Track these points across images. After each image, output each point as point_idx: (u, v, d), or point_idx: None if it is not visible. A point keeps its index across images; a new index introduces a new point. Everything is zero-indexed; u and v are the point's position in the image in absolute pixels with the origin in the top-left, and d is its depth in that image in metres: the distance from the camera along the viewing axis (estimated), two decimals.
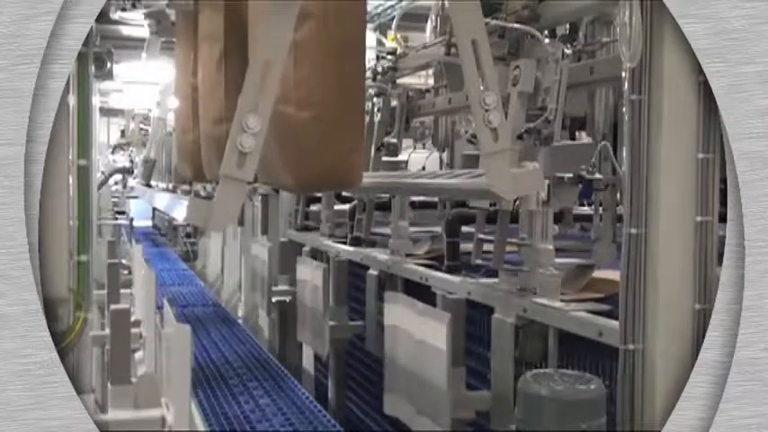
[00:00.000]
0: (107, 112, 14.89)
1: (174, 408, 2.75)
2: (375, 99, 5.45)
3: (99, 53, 3.29)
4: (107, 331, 4.48)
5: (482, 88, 2.54)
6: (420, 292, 4.62)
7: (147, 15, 5.08)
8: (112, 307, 3.39)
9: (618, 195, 3.70)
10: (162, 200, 4.69)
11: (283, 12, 2.41)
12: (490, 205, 4.51)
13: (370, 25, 8.34)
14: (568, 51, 3.24)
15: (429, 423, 3.37)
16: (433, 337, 2.95)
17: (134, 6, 3.75)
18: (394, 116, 5.32)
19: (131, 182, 14.70)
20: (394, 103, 5.35)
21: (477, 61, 2.52)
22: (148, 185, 8.27)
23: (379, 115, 5.37)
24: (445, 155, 5.35)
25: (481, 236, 4.42)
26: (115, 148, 15.76)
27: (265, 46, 2.40)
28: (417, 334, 3.58)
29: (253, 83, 2.37)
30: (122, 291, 4.77)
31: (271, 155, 2.64)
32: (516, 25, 3.44)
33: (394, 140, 5.27)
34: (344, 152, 2.73)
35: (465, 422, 3.09)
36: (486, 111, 2.51)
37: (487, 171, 2.55)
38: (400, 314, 3.75)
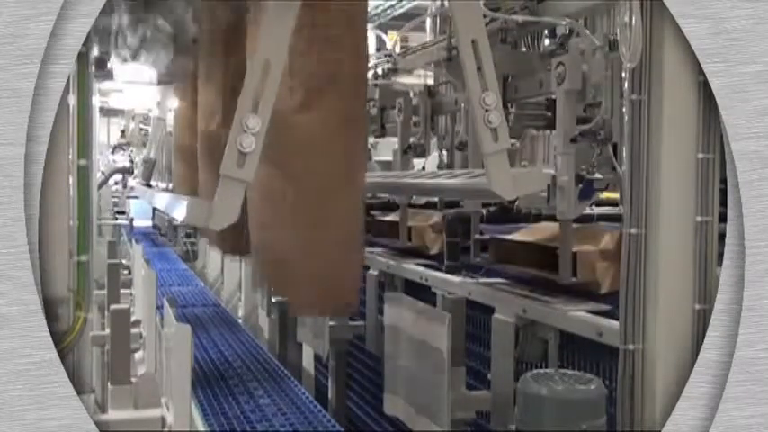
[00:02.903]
0: (107, 112, 14.88)
1: (175, 408, 2.75)
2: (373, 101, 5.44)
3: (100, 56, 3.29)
4: (107, 331, 4.51)
5: (482, 88, 2.54)
6: (420, 292, 4.62)
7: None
8: (112, 307, 3.39)
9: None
10: (162, 200, 4.70)
11: (283, 12, 2.41)
12: (485, 205, 4.52)
13: (370, 24, 8.33)
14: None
15: (429, 423, 3.37)
16: (432, 336, 2.95)
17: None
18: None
19: (131, 182, 14.70)
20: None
21: (478, 61, 2.52)
22: (148, 185, 8.26)
23: (401, 115, 5.35)
24: (445, 155, 5.34)
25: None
26: (115, 149, 15.75)
27: (265, 46, 2.40)
28: (417, 334, 3.57)
29: (253, 83, 2.37)
30: (122, 291, 4.76)
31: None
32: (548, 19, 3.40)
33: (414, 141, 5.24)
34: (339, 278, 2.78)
35: (465, 422, 3.08)
36: (486, 111, 2.51)
37: (488, 171, 2.56)
38: (400, 314, 3.75)
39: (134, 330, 4.41)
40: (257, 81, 2.38)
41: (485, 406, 3.27)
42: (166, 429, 2.86)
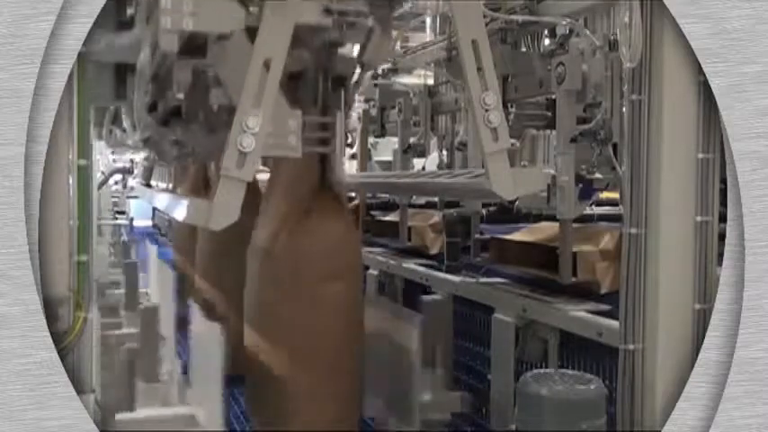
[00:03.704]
0: None
1: (206, 406, 2.74)
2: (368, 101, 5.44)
3: None
4: (130, 330, 4.50)
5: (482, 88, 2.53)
6: (420, 292, 4.62)
7: None
8: (143, 305, 3.39)
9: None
10: (162, 200, 4.68)
11: (283, 11, 2.41)
12: (485, 205, 4.52)
13: None
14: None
15: (402, 425, 3.34)
16: (405, 338, 2.93)
17: None
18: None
19: (131, 182, 14.69)
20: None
21: (478, 61, 2.52)
22: (148, 185, 8.25)
23: (401, 115, 5.35)
24: (445, 155, 5.34)
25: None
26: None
27: (265, 45, 2.40)
28: (393, 336, 3.55)
29: (253, 82, 2.37)
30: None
31: None
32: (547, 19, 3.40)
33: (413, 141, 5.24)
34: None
35: (442, 423, 3.06)
36: (487, 110, 2.51)
37: (488, 171, 2.56)
38: (375, 316, 3.73)
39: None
40: (257, 81, 2.38)
41: (457, 408, 3.23)
42: (197, 428, 2.85)
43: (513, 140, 4.05)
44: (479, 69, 2.52)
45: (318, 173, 2.85)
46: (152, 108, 3.98)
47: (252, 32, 2.50)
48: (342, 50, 2.97)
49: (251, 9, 2.43)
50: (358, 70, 3.02)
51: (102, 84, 4.21)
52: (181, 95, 3.24)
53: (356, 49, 3.02)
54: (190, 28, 2.31)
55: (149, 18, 2.60)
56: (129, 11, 3.04)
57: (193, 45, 2.62)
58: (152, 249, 5.12)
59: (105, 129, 7.40)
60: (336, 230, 2.82)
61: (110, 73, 4.33)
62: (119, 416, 2.90)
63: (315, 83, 2.86)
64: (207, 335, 2.71)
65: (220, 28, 2.41)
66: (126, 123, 6.34)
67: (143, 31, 2.76)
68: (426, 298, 4.12)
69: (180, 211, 2.81)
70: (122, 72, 4.32)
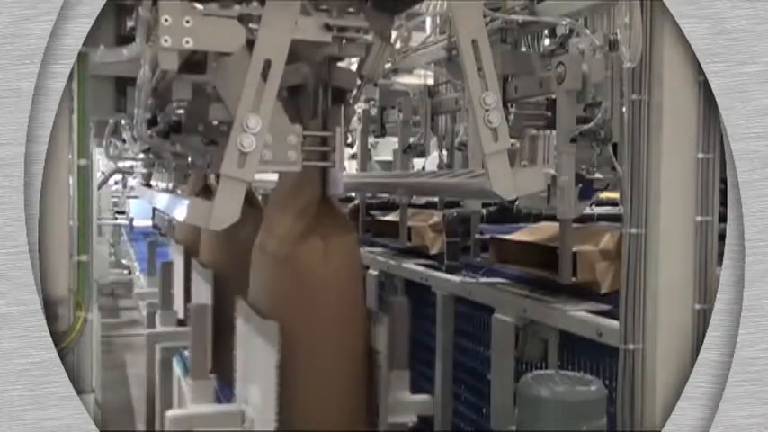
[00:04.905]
0: None
1: (262, 404, 2.74)
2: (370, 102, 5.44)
3: None
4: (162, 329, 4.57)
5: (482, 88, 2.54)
6: (420, 292, 4.63)
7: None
8: (193, 303, 3.40)
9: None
10: (162, 200, 4.69)
11: (283, 11, 2.41)
12: (485, 205, 4.51)
13: None
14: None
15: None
16: (375, 340, 2.93)
17: None
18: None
19: (131, 182, 14.69)
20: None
21: (478, 61, 2.52)
22: (148, 185, 8.27)
23: (401, 115, 5.34)
24: (445, 155, 5.34)
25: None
26: None
27: (265, 45, 2.40)
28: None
29: (253, 82, 2.37)
30: (137, 291, 4.79)
31: None
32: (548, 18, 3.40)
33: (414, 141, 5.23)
34: None
35: (408, 427, 3.04)
36: (487, 111, 2.51)
37: (488, 171, 2.56)
38: None
39: (182, 329, 4.43)
40: (257, 81, 2.38)
41: (427, 410, 3.21)
42: (246, 426, 2.86)
43: (513, 140, 4.07)
44: (479, 69, 2.52)
45: (319, 186, 2.86)
46: (152, 122, 4.00)
47: (252, 48, 2.50)
48: (341, 63, 2.97)
49: (251, 25, 2.43)
50: (358, 82, 3.03)
51: (102, 97, 4.24)
52: (180, 111, 3.25)
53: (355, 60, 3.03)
54: (190, 47, 2.31)
55: (149, 36, 2.60)
56: (130, 23, 3.05)
57: (193, 62, 2.63)
58: (176, 248, 5.10)
59: (105, 140, 7.43)
60: (337, 246, 2.82)
61: (110, 86, 4.36)
62: (169, 412, 2.94)
63: (315, 96, 2.86)
64: (262, 331, 2.71)
65: (221, 47, 2.41)
66: (126, 135, 6.38)
67: (143, 49, 2.76)
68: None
69: (180, 211, 2.80)
70: (122, 85, 4.35)
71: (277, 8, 2.41)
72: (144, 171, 8.73)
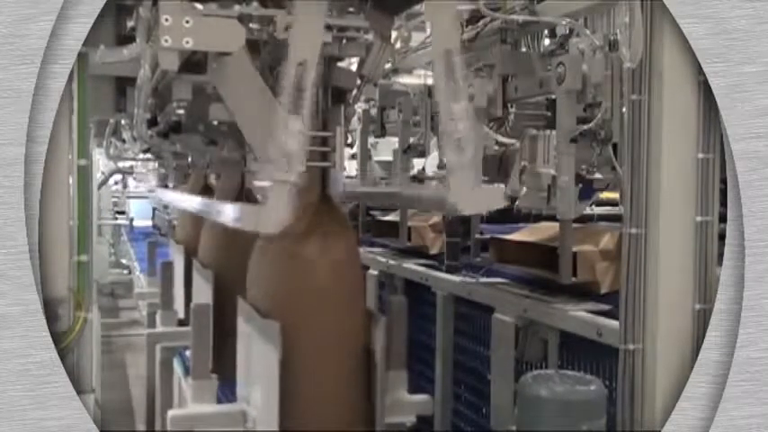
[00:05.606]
0: None
1: (263, 404, 2.74)
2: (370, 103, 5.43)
3: None
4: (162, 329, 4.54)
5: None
6: (420, 292, 4.63)
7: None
8: (194, 303, 3.39)
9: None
10: (192, 204, 4.60)
11: (313, 11, 2.41)
12: None
13: None
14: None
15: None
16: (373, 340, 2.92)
17: None
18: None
19: (132, 183, 14.70)
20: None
21: (450, 70, 2.49)
22: (166, 186, 8.21)
23: (401, 115, 5.33)
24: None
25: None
26: None
27: (298, 47, 2.40)
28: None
29: (290, 85, 2.38)
30: (137, 290, 4.78)
31: None
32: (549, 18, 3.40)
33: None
34: None
35: (406, 427, 3.03)
36: (453, 121, 2.47)
37: (449, 182, 2.51)
38: None
39: (182, 329, 4.42)
40: (294, 83, 2.38)
41: (427, 410, 3.21)
42: (249, 425, 2.86)
43: (513, 140, 4.07)
44: (450, 79, 2.48)
45: (319, 187, 2.86)
46: (152, 122, 4.00)
47: (252, 48, 2.50)
48: (341, 63, 2.97)
49: (251, 25, 2.43)
50: (358, 82, 3.03)
51: (102, 97, 4.24)
52: (180, 111, 3.25)
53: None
54: (190, 47, 2.31)
55: (149, 36, 2.60)
56: (130, 23, 3.05)
57: (193, 62, 2.63)
58: (177, 248, 5.10)
59: (105, 140, 7.43)
60: (337, 246, 2.83)
61: (110, 86, 4.36)
62: (171, 412, 2.93)
63: (314, 97, 2.86)
64: (263, 331, 2.71)
65: (221, 47, 2.41)
66: (126, 135, 6.37)
67: (143, 49, 2.76)
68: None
69: (227, 216, 2.78)
70: (122, 85, 4.35)
71: (307, 9, 2.41)
72: (159, 171, 8.68)
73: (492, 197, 2.61)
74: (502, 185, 3.33)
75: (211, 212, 3.26)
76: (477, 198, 2.54)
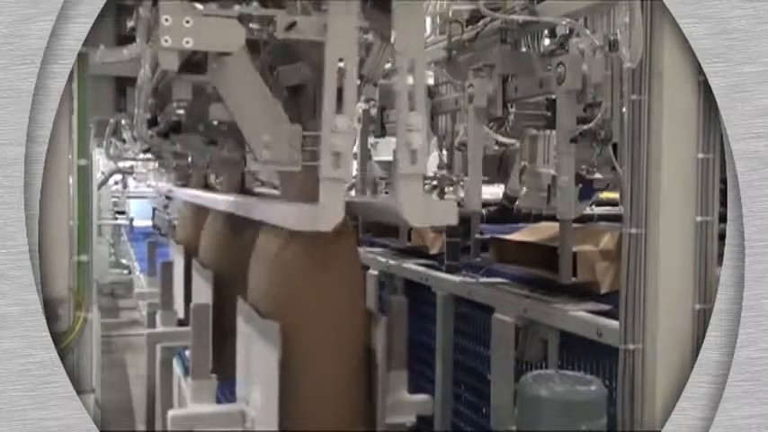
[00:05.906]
0: None
1: (263, 404, 2.74)
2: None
3: None
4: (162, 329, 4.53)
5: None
6: (420, 292, 4.63)
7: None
8: (194, 303, 3.39)
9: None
10: (226, 204, 4.52)
11: (346, 9, 2.41)
12: (485, 205, 4.50)
13: None
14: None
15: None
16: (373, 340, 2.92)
17: None
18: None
19: (131, 182, 14.70)
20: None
21: (412, 79, 2.48)
22: (185, 185, 8.20)
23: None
24: (445, 155, 5.34)
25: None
26: None
27: (336, 45, 2.40)
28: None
29: (332, 84, 2.38)
30: (138, 290, 4.78)
31: None
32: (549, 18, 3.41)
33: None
34: None
35: (406, 427, 3.03)
36: (409, 131, 2.47)
37: (399, 193, 2.50)
38: None
39: (182, 329, 4.42)
40: (335, 81, 2.38)
41: (427, 410, 3.20)
42: (248, 425, 2.86)
43: (513, 140, 4.07)
44: (409, 90, 2.48)
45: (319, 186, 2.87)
46: (152, 122, 4.00)
47: (252, 48, 2.50)
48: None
49: (251, 25, 2.43)
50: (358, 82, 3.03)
51: (102, 97, 4.24)
52: (180, 111, 3.26)
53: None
54: (190, 47, 2.31)
55: (149, 36, 2.60)
56: (130, 23, 3.05)
57: (193, 62, 2.63)
58: (177, 248, 5.09)
59: (105, 140, 7.43)
60: (337, 246, 2.83)
61: (110, 86, 4.36)
62: (171, 411, 2.94)
63: (315, 96, 2.86)
64: (263, 331, 2.71)
65: (221, 47, 2.41)
66: (126, 135, 6.38)
67: (143, 49, 2.76)
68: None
69: (280, 216, 2.78)
70: (122, 85, 4.35)
71: (341, 8, 2.41)
72: (173, 171, 8.65)
73: (444, 211, 2.58)
74: (454, 201, 3.30)
75: (252, 212, 3.25)
76: (427, 210, 2.52)
